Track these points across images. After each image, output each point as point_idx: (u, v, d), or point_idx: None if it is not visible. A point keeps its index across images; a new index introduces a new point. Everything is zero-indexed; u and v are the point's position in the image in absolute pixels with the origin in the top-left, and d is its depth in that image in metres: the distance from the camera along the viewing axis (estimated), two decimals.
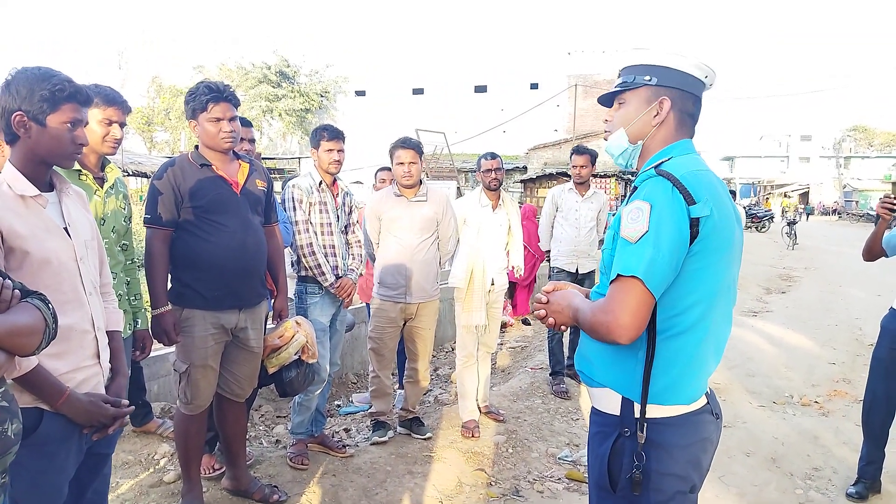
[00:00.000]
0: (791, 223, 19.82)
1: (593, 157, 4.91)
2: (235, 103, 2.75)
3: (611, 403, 1.61)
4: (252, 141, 3.52)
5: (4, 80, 1.65)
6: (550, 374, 5.14)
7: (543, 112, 27.42)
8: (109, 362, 1.85)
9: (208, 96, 2.67)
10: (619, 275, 1.45)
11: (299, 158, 28.71)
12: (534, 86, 31.97)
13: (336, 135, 3.50)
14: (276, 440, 4.09)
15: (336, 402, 5.13)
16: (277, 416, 4.61)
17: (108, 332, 1.87)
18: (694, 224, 1.45)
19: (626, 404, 1.57)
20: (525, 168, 24.04)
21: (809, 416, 4.73)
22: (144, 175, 17.59)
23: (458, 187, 18.71)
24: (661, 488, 1.54)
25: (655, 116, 1.63)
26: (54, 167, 1.79)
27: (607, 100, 1.75)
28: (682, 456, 1.54)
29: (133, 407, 1.87)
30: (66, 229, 1.74)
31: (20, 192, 1.64)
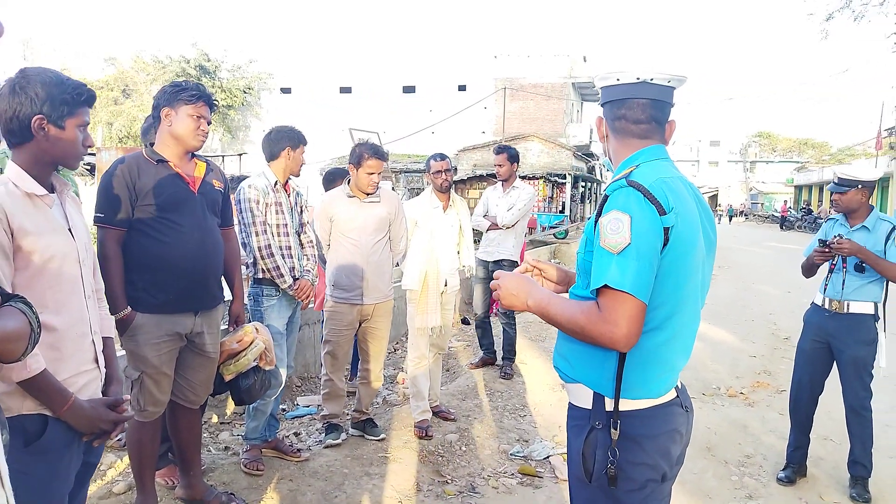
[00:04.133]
0: None
1: (511, 155, 5.44)
2: (212, 109, 2.76)
3: (584, 398, 1.68)
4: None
5: (11, 84, 1.64)
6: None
7: (471, 114, 27.78)
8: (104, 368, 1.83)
9: (200, 94, 2.65)
10: (606, 286, 1.49)
11: (222, 156, 27.74)
12: (461, 87, 32.30)
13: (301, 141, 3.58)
14: (225, 447, 3.97)
15: (282, 406, 5.02)
16: (221, 423, 4.47)
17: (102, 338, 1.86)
18: (665, 232, 1.53)
19: (598, 399, 1.65)
20: (455, 169, 24.31)
21: (737, 407, 5.04)
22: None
23: (393, 187, 18.67)
24: (632, 477, 1.61)
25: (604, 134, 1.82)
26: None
27: None
28: (651, 446, 1.63)
29: (133, 412, 1.86)
30: (69, 230, 1.73)
31: (28, 190, 1.63)
